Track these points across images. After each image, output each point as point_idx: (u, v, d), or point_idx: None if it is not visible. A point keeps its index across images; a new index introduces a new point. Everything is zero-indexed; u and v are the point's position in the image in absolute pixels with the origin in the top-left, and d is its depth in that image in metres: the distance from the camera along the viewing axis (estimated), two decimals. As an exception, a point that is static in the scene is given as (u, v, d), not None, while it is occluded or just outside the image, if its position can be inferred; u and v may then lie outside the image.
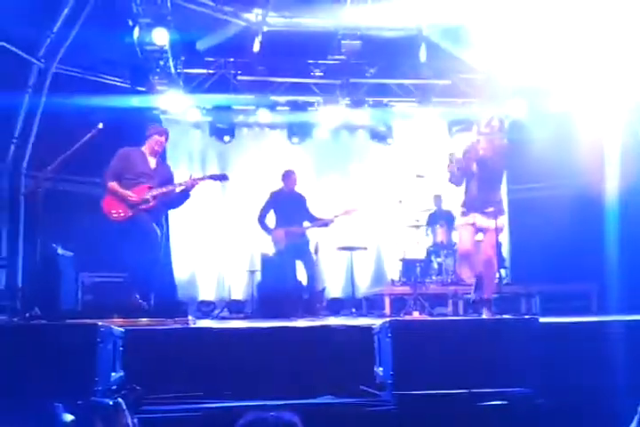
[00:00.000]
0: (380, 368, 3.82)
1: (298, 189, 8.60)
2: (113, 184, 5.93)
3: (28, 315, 5.18)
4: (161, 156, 6.59)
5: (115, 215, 5.88)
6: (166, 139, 6.33)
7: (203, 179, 6.34)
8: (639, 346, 3.91)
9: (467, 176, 5.93)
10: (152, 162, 6.19)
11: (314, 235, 8.56)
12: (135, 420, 1.93)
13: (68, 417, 1.81)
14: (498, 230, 5.70)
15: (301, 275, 8.32)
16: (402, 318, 6.25)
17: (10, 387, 2.93)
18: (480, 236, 5.94)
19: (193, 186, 6.12)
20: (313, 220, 8.42)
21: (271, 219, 8.42)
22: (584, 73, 8.16)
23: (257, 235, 10.61)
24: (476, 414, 3.40)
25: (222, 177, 6.66)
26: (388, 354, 3.54)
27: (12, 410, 2.75)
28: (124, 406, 1.91)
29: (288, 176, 8.49)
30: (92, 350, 3.12)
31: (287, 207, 8.30)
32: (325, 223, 8.39)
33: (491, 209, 5.67)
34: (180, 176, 6.48)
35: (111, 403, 1.91)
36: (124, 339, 3.82)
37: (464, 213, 5.96)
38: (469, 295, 6.24)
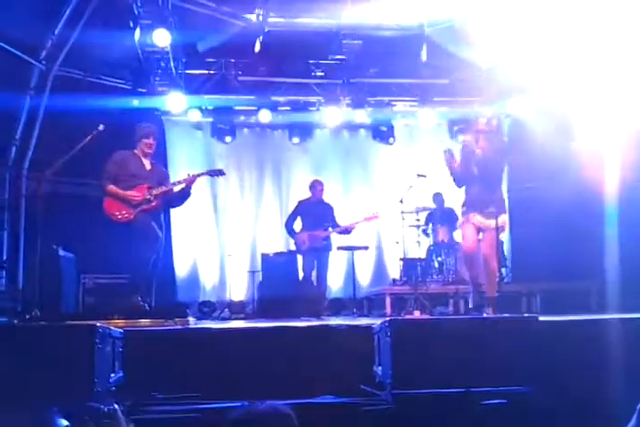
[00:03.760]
0: (380, 368, 3.82)
1: (326, 198, 8.93)
2: (111, 187, 5.94)
3: (28, 317, 5.21)
4: (162, 157, 6.60)
5: (119, 217, 5.89)
6: (155, 138, 6.32)
7: (200, 175, 6.39)
8: (638, 344, 3.91)
9: (467, 178, 5.94)
10: (146, 164, 6.23)
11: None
12: (132, 425, 1.92)
13: (63, 422, 1.80)
14: (499, 230, 5.69)
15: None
16: (401, 318, 6.25)
17: (9, 389, 2.94)
18: (480, 235, 5.96)
19: (192, 182, 6.17)
20: (336, 227, 8.67)
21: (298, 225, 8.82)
22: (584, 70, 8.14)
23: (257, 235, 10.73)
24: (475, 413, 3.40)
25: (219, 172, 6.65)
26: (388, 353, 3.54)
27: (10, 412, 2.76)
28: (120, 413, 1.90)
29: (314, 186, 8.87)
30: (90, 351, 3.12)
31: (313, 215, 8.67)
32: (346, 230, 8.71)
33: (492, 209, 5.67)
34: (180, 177, 6.48)
35: (106, 409, 1.90)
36: (124, 340, 3.83)
37: (464, 213, 5.98)
38: (469, 300, 6.26)
